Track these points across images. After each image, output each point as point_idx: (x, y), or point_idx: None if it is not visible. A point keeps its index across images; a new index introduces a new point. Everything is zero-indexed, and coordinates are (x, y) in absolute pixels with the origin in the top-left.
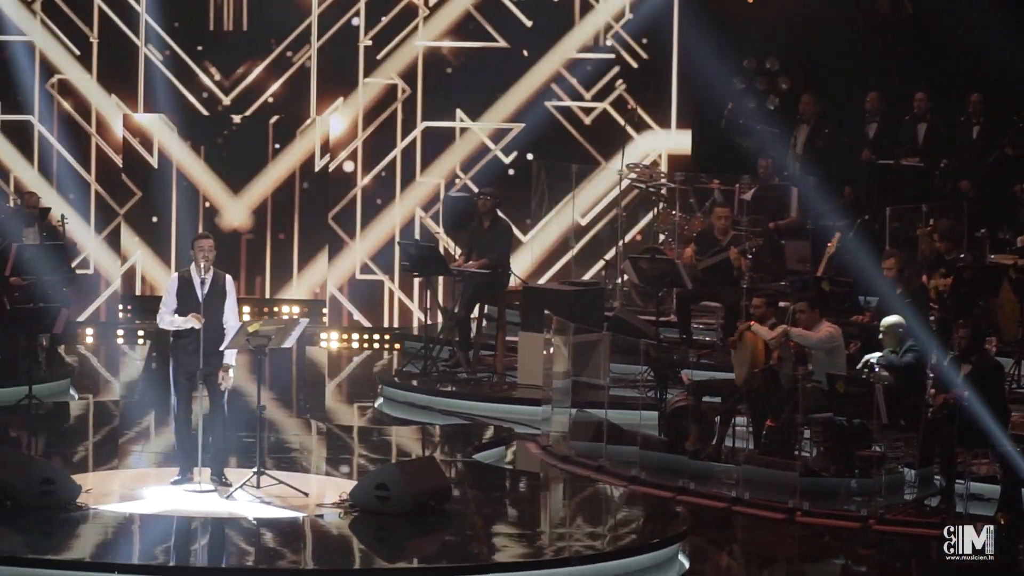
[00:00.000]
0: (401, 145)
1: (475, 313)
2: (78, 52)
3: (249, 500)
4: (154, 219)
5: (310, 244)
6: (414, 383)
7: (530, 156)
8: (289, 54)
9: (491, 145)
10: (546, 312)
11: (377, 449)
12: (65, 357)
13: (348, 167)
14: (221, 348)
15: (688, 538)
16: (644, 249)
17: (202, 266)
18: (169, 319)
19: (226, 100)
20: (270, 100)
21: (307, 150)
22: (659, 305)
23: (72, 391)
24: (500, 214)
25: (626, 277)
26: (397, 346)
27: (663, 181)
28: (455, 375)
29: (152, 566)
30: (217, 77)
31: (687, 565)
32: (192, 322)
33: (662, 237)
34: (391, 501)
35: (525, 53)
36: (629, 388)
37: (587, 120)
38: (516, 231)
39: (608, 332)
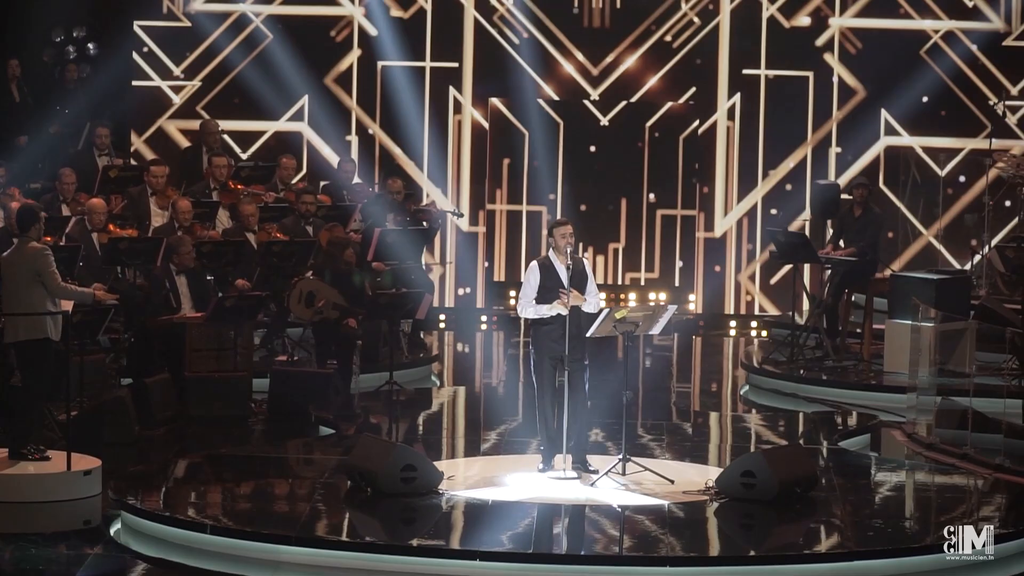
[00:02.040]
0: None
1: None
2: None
3: (613, 487)
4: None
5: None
6: (780, 370)
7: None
8: (669, 39)
9: (932, 165)
10: (913, 299)
11: (743, 436)
12: (427, 343)
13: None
14: (588, 335)
15: None
16: (1011, 238)
17: (567, 252)
18: (533, 309)
19: (594, 94)
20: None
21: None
22: None
23: (434, 377)
24: (872, 203)
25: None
26: (764, 333)
27: None
28: (821, 362)
29: (513, 553)
30: (584, 64)
31: None
32: (559, 309)
33: None
34: (757, 488)
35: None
36: (994, 376)
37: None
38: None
39: (974, 320)
